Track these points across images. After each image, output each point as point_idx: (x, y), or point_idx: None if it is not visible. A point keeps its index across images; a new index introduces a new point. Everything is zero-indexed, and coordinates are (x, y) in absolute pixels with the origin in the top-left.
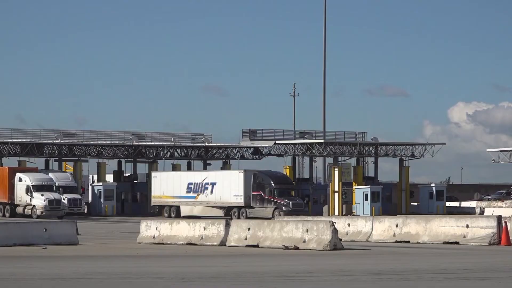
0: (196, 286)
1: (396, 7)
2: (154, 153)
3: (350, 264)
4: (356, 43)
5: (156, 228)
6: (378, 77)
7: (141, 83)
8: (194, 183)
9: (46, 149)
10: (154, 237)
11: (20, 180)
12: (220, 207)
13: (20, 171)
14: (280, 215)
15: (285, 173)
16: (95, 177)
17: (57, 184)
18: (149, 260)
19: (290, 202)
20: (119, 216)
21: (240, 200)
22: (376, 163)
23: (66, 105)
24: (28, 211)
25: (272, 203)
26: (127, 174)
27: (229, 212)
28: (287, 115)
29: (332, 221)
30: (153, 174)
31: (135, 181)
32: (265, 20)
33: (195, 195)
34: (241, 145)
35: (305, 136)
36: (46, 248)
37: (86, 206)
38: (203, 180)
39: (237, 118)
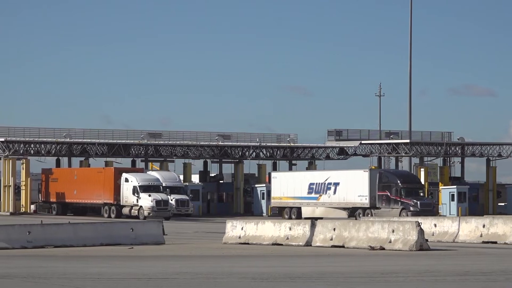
0: (281, 286)
1: (482, 5)
2: (240, 153)
3: (436, 264)
4: (442, 42)
5: (242, 228)
6: (463, 76)
7: (225, 84)
8: (316, 183)
9: (132, 149)
10: (239, 237)
11: (127, 180)
12: (344, 208)
13: (126, 172)
14: (407, 216)
15: (412, 172)
16: (181, 177)
17: (164, 185)
18: (234, 260)
19: (418, 202)
20: (205, 216)
21: (365, 201)
22: (462, 163)
23: (151, 105)
24: (134, 212)
25: (399, 203)
26: (213, 174)
27: (353, 213)
28: (373, 115)
29: (418, 222)
30: (273, 174)
31: (220, 181)
32: (350, 19)
33: (317, 196)
34: (327, 145)
35: (391, 136)
36: (132, 248)
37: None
38: (326, 180)
39: (322, 118)
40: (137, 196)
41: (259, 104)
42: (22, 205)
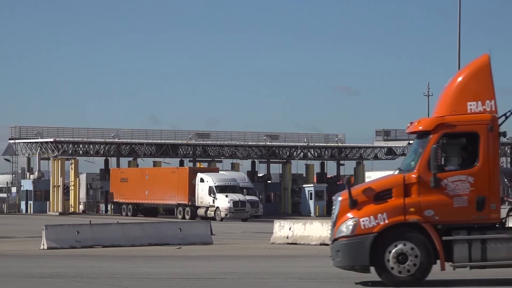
0: (328, 286)
1: None
2: (288, 154)
3: None
4: (489, 40)
5: (290, 228)
6: (509, 75)
7: (272, 84)
8: None
9: (180, 149)
10: (287, 237)
11: (202, 180)
12: None
13: (201, 172)
14: None
15: None
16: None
17: (240, 185)
18: (282, 260)
19: None
20: (252, 216)
21: None
22: None
23: (198, 106)
24: (211, 213)
25: (506, 203)
26: (260, 175)
27: None
28: (421, 114)
29: None
30: (367, 174)
31: (268, 181)
32: (398, 19)
33: None
34: (375, 145)
35: None
36: (180, 247)
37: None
38: None
39: (370, 118)
40: (213, 197)
41: (306, 104)
42: (71, 205)
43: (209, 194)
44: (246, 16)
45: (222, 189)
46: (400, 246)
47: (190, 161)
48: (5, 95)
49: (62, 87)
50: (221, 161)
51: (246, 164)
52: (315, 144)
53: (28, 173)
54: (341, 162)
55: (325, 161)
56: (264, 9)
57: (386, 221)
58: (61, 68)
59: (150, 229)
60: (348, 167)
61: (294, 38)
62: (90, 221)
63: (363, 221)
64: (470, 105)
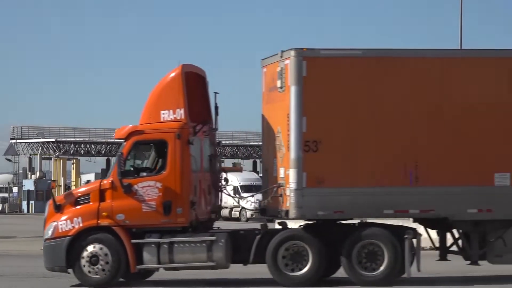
0: None
1: None
2: None
3: None
4: (490, 38)
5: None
6: None
7: None
8: None
9: None
10: None
11: (226, 180)
12: None
13: (224, 171)
14: None
15: None
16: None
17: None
18: None
19: None
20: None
21: None
22: None
23: None
24: (235, 213)
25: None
26: (262, 175)
27: None
28: None
29: None
30: None
31: None
32: (397, 17)
33: None
34: None
35: None
36: None
37: None
38: None
39: None
40: (239, 197)
41: None
42: None
43: (234, 194)
44: (247, 16)
45: (248, 189)
46: (93, 248)
47: None
48: (6, 95)
49: (63, 87)
50: (222, 161)
51: (247, 164)
52: None
53: (29, 173)
54: None
55: None
56: (265, 9)
57: (81, 225)
58: (62, 68)
59: None
60: None
61: (296, 38)
62: None
63: (60, 224)
64: (163, 113)
